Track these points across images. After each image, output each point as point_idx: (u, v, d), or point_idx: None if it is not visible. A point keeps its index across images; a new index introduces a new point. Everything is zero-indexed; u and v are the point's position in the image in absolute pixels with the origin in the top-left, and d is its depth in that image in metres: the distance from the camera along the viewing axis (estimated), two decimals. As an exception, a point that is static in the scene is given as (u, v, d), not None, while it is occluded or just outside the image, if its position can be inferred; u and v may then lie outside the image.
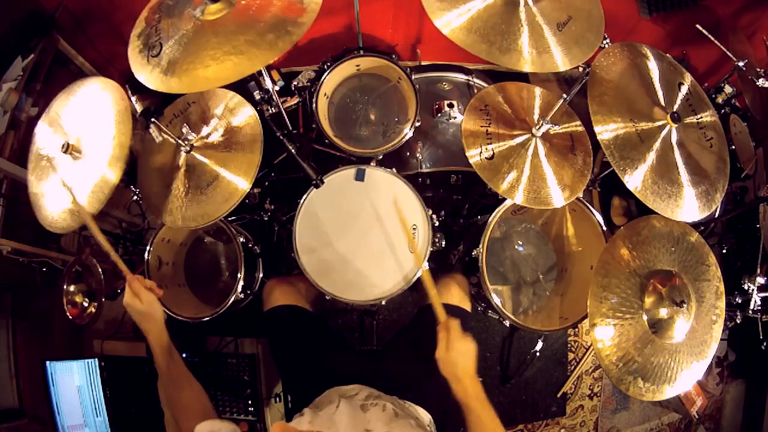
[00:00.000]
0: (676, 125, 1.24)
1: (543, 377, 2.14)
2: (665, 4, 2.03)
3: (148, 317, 1.07)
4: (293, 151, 1.24)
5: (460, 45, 1.08)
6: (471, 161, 1.27)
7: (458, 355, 0.94)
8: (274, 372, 1.81)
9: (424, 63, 2.14)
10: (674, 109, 1.27)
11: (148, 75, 1.07)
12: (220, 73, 1.00)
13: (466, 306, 1.39)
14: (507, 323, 1.51)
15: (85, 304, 1.63)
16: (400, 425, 0.91)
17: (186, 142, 1.28)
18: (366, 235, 1.41)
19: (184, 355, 1.69)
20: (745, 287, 1.74)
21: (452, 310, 1.36)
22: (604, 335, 1.15)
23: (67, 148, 1.20)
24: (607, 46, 1.24)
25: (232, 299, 1.45)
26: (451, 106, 1.65)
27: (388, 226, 1.41)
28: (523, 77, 2.14)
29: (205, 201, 1.27)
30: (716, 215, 1.70)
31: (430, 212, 1.42)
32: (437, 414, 1.13)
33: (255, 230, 1.75)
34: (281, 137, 1.23)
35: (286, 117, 1.58)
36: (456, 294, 1.38)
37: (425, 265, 1.36)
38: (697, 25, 1.79)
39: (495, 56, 1.08)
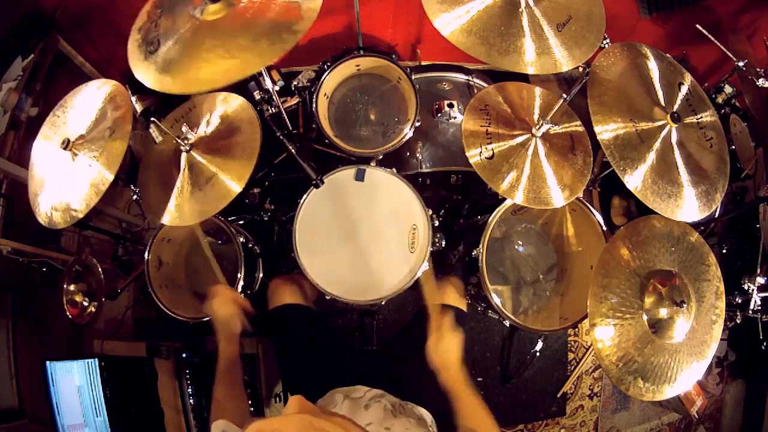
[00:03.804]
0: (676, 125, 1.24)
1: (543, 377, 2.14)
2: (665, 4, 2.03)
3: (224, 329, 1.21)
4: (293, 151, 1.24)
5: (460, 47, 1.07)
6: (471, 161, 1.27)
7: (447, 346, 1.00)
8: (274, 372, 1.81)
9: (424, 63, 2.14)
10: (674, 109, 1.26)
11: (144, 71, 1.06)
12: (212, 75, 1.00)
13: (462, 306, 1.39)
14: (507, 323, 1.51)
15: (85, 304, 1.63)
16: (399, 423, 0.91)
17: (185, 142, 1.28)
18: (366, 235, 1.41)
19: (183, 355, 1.69)
20: (745, 287, 1.73)
21: (448, 311, 1.36)
22: (604, 335, 1.15)
23: (68, 145, 1.20)
24: (607, 46, 1.24)
25: (232, 299, 1.45)
26: (451, 106, 1.65)
27: (388, 226, 1.42)
28: (523, 77, 2.13)
29: (203, 199, 1.27)
30: (716, 215, 1.70)
31: (430, 212, 1.42)
32: (438, 414, 1.13)
33: (255, 230, 1.74)
34: (281, 137, 1.23)
35: (286, 117, 1.58)
36: (452, 295, 1.39)
37: (425, 265, 1.36)
38: (697, 25, 1.79)
39: (495, 58, 1.07)
